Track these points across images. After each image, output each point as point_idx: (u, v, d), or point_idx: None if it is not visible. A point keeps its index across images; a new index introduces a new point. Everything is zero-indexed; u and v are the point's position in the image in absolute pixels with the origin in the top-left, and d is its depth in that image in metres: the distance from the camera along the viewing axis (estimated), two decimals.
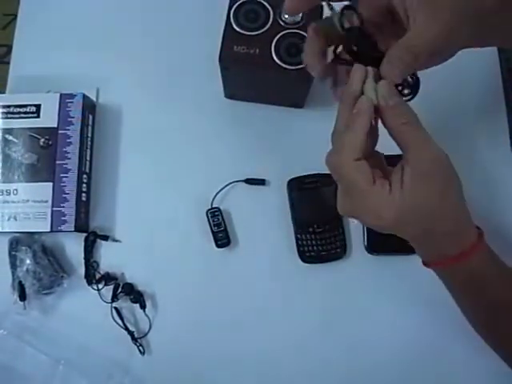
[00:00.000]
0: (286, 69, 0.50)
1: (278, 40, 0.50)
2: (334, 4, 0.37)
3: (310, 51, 0.39)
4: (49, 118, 0.58)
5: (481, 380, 0.54)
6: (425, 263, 0.45)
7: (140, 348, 0.55)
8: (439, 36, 0.35)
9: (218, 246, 0.56)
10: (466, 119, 0.60)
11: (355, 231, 0.57)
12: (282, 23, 0.50)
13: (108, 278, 0.57)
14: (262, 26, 0.50)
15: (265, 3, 0.51)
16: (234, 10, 0.51)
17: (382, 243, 0.56)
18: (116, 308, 0.56)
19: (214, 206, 0.57)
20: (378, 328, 0.55)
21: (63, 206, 0.56)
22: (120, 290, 0.56)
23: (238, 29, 0.50)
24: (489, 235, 0.44)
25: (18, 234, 0.57)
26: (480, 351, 0.51)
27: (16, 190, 0.57)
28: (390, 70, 0.36)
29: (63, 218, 0.56)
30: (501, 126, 0.60)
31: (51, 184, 0.57)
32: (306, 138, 0.60)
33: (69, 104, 0.59)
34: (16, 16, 0.67)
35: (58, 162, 0.57)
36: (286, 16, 0.50)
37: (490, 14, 0.35)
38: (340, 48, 0.39)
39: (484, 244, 0.43)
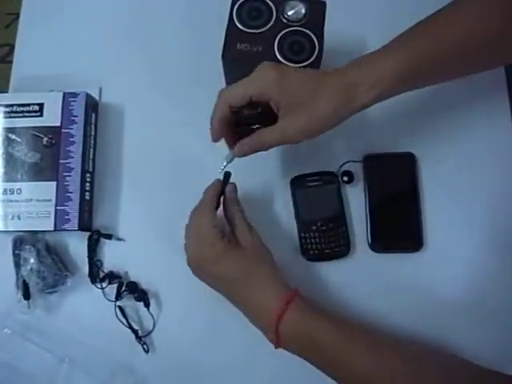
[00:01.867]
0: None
1: (281, 38, 0.50)
2: None
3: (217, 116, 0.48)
4: (52, 117, 0.58)
5: None
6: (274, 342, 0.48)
7: (144, 346, 0.55)
8: (290, 138, 0.48)
9: None
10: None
11: (359, 229, 0.57)
12: (284, 21, 0.50)
13: (112, 277, 0.57)
14: (264, 23, 0.50)
15: (268, 1, 0.51)
16: (237, 8, 0.51)
17: (385, 241, 0.56)
18: (120, 307, 0.56)
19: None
20: (382, 326, 0.55)
21: (67, 205, 0.56)
22: (124, 288, 0.56)
23: (240, 26, 0.50)
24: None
25: (21, 233, 0.57)
26: (485, 348, 0.52)
27: (19, 189, 0.57)
28: (239, 150, 0.49)
29: (67, 217, 0.56)
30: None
31: (55, 183, 0.57)
32: None
33: (72, 103, 0.59)
34: (18, 15, 0.67)
35: (61, 161, 0.57)
36: (289, 13, 0.50)
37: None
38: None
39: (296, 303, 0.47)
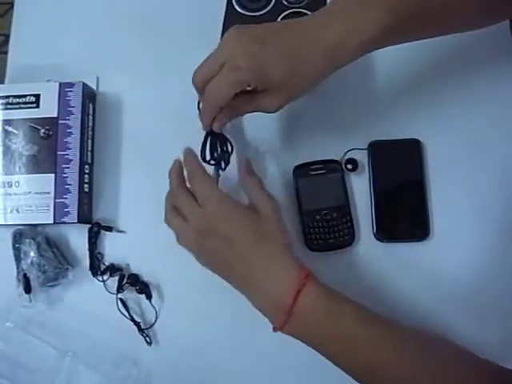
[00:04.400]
0: None
1: (281, 20, 0.48)
2: None
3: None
4: (48, 108, 0.57)
5: None
6: (275, 328, 0.44)
7: (147, 339, 0.55)
8: (267, 111, 0.48)
9: None
10: None
11: (363, 218, 0.56)
12: (285, 2, 0.49)
13: (113, 269, 0.56)
14: (264, 6, 0.49)
15: None
16: None
17: (391, 230, 0.55)
18: (121, 299, 0.55)
19: None
20: (388, 316, 0.54)
21: (66, 198, 0.55)
22: (125, 280, 0.55)
23: (240, 9, 0.49)
24: None
25: (21, 227, 0.56)
26: (491, 338, 0.51)
27: (18, 182, 0.56)
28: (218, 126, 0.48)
29: (66, 210, 0.55)
30: None
31: (53, 175, 0.56)
32: (311, 124, 0.58)
33: (68, 93, 0.57)
34: (13, 4, 0.66)
35: (59, 153, 0.56)
36: None
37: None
38: None
39: (312, 283, 0.43)
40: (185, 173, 0.49)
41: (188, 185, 0.49)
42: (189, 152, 0.50)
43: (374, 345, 0.42)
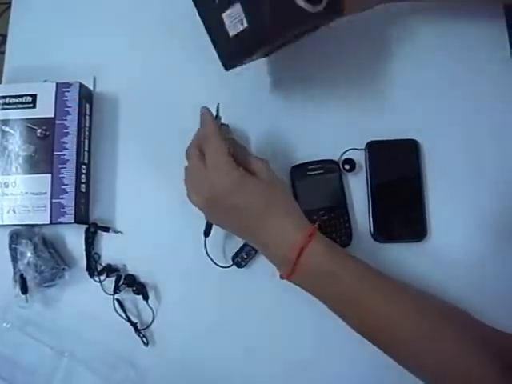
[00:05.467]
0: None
1: None
2: None
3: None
4: (45, 108, 0.57)
5: None
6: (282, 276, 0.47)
7: (144, 339, 0.54)
8: None
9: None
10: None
11: (361, 218, 0.56)
12: None
13: (110, 270, 0.56)
14: None
15: None
16: None
17: (388, 230, 0.55)
18: (118, 300, 0.55)
19: None
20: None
21: (62, 198, 0.55)
22: (122, 281, 0.55)
23: None
24: None
25: (18, 227, 0.56)
26: None
27: (14, 182, 0.56)
28: None
29: (63, 210, 0.55)
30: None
31: (50, 175, 0.56)
32: (309, 125, 0.58)
33: (65, 93, 0.57)
34: (10, 4, 0.66)
35: (55, 153, 0.56)
36: None
37: None
38: None
39: (319, 239, 0.45)
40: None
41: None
42: (206, 111, 0.49)
43: (379, 303, 0.43)
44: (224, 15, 0.47)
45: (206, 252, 0.54)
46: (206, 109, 0.49)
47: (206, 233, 0.55)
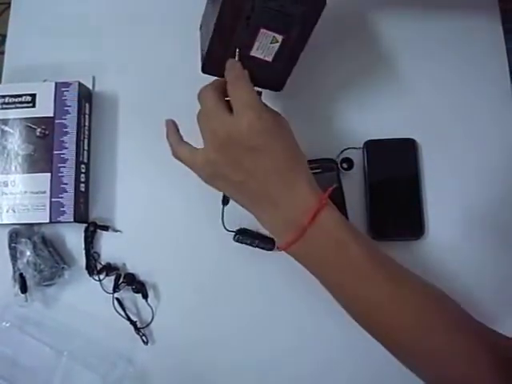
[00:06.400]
0: None
1: None
2: None
3: None
4: (44, 108, 0.57)
5: None
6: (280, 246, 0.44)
7: (143, 338, 0.55)
8: None
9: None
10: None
11: (358, 217, 0.56)
12: None
13: (109, 269, 0.56)
14: None
15: None
16: None
17: (385, 229, 0.55)
18: (118, 298, 0.55)
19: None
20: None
21: (62, 197, 0.55)
22: (121, 280, 0.55)
23: None
24: None
25: (17, 226, 0.56)
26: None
27: (14, 181, 0.56)
28: None
29: (62, 209, 0.55)
30: None
31: (49, 174, 0.56)
32: (307, 123, 0.58)
33: (64, 93, 0.58)
34: (9, 4, 0.66)
35: (55, 152, 0.56)
36: None
37: None
38: None
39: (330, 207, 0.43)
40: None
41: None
42: (234, 61, 0.47)
43: (377, 284, 0.41)
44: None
45: (223, 222, 0.54)
46: (233, 61, 0.47)
47: (224, 201, 0.54)
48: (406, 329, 0.41)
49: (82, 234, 0.57)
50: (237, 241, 0.55)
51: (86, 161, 0.59)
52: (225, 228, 0.55)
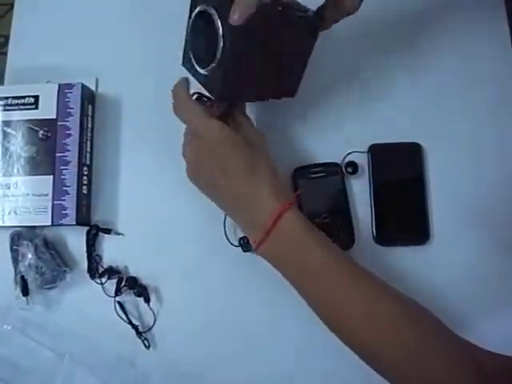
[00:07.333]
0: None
1: None
2: None
3: None
4: (47, 110, 0.57)
5: None
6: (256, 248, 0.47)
7: (145, 342, 0.54)
8: None
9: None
10: None
11: (363, 221, 0.55)
12: None
13: (111, 272, 0.56)
14: None
15: None
16: None
17: (390, 234, 0.55)
18: (119, 302, 0.55)
19: None
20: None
21: (64, 200, 0.55)
22: (123, 283, 0.55)
23: None
24: None
25: (19, 229, 0.56)
26: (491, 341, 0.50)
27: (16, 183, 0.56)
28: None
29: (64, 212, 0.55)
30: None
31: (51, 177, 0.56)
32: (312, 127, 0.58)
33: (67, 94, 0.57)
34: (13, 5, 0.66)
35: (57, 155, 0.56)
36: None
37: None
38: None
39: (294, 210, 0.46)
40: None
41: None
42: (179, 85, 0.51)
43: (342, 285, 0.43)
44: None
45: (225, 232, 0.55)
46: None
47: None
48: (367, 330, 0.42)
49: (84, 237, 0.57)
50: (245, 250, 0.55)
51: (88, 163, 0.58)
52: (228, 240, 0.55)
